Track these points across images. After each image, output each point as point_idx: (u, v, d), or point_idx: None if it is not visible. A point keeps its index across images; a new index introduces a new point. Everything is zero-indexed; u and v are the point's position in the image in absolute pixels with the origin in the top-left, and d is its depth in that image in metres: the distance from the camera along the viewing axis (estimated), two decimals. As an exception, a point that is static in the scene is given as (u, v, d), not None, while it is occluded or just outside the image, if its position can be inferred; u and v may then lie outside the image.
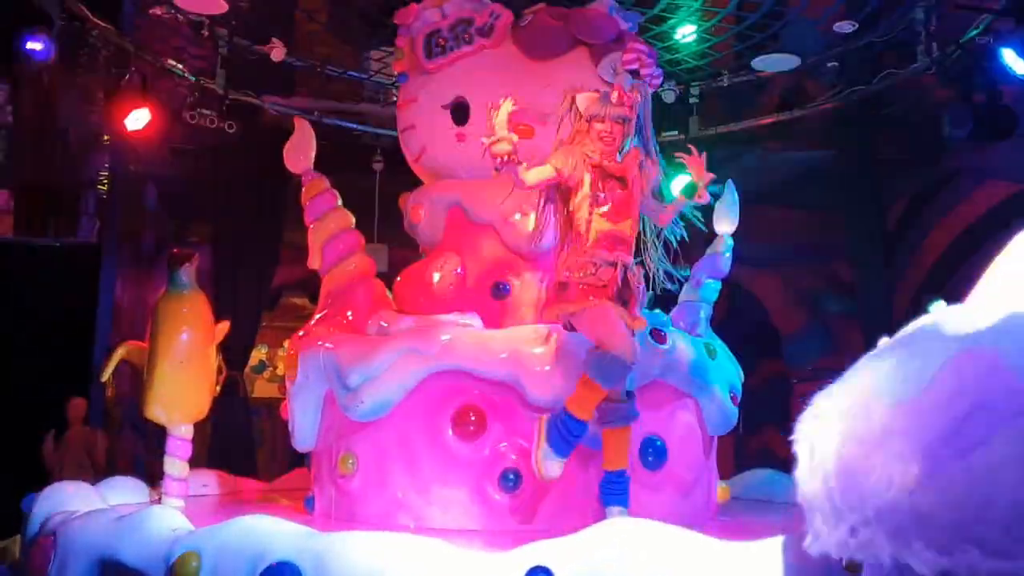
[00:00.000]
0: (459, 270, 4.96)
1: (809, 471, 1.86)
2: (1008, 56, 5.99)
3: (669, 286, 4.27)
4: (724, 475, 5.64)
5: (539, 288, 4.77)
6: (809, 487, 1.87)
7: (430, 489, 4.44)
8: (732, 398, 5.06)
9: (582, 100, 4.03)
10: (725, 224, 5.68)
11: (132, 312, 10.09)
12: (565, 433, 3.91)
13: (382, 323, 4.84)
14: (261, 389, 11.41)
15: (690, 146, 4.08)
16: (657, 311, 5.04)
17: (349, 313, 5.14)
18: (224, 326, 5.23)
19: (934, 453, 1.68)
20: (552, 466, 3.94)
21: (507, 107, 3.79)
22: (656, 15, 6.55)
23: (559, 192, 4.02)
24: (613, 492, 4.02)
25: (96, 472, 7.04)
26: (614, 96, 4.03)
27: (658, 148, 4.18)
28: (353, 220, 5.51)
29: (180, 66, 7.25)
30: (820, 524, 1.83)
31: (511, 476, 4.34)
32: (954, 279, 9.53)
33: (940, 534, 1.66)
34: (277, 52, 7.20)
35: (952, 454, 1.68)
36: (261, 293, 9.15)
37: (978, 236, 9.33)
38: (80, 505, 4.38)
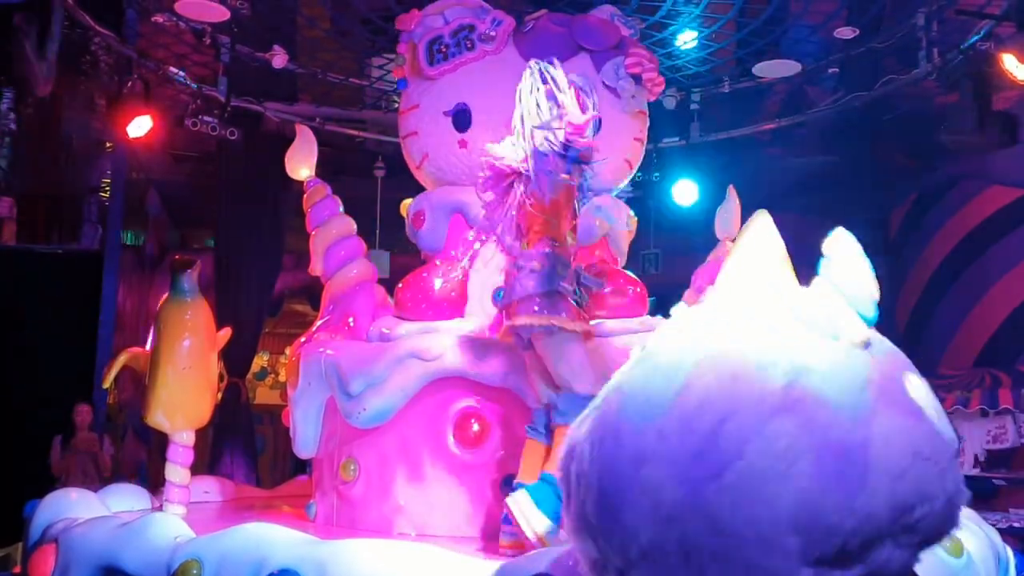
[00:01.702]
0: (461, 276, 4.96)
1: (570, 511, 1.66)
2: (1009, 62, 5.99)
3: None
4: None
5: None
6: (573, 529, 1.65)
7: (431, 496, 4.43)
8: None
9: None
10: (726, 230, 5.68)
11: (134, 318, 10.11)
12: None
13: (384, 329, 4.84)
14: (263, 396, 11.42)
15: None
16: (659, 316, 5.04)
17: (351, 319, 5.14)
18: (226, 333, 5.23)
19: (688, 476, 1.50)
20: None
21: None
22: (657, 21, 6.57)
23: None
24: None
25: (101, 479, 7.03)
26: None
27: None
28: (355, 226, 5.51)
29: (182, 73, 7.27)
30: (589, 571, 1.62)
31: (513, 482, 4.33)
32: (957, 284, 9.53)
33: (712, 566, 1.48)
34: (279, 59, 7.22)
35: (707, 475, 1.50)
36: (263, 300, 9.15)
37: (981, 241, 9.33)
38: (82, 512, 4.38)
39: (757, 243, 1.99)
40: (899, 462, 1.57)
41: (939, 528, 1.63)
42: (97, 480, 6.98)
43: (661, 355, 1.72)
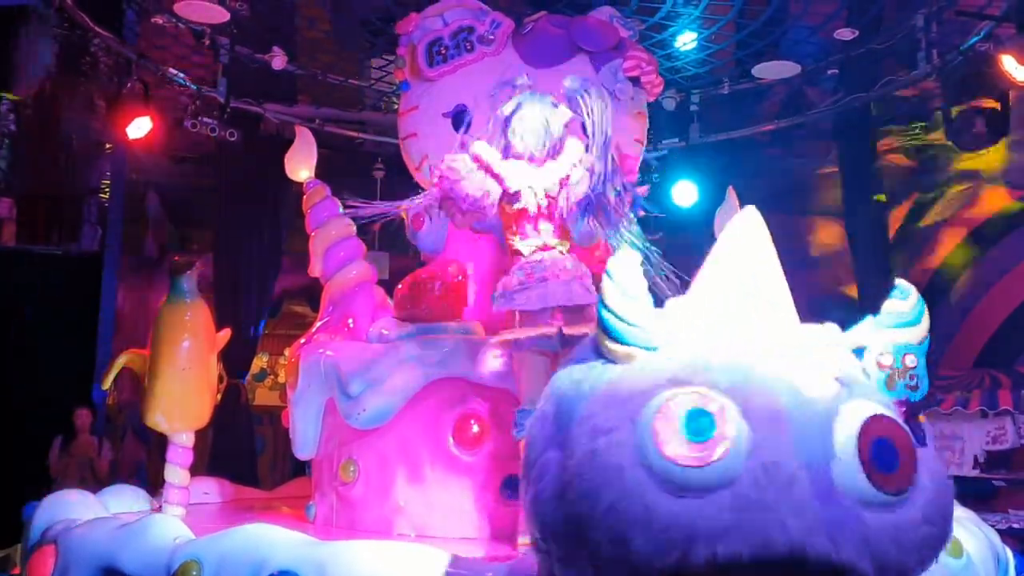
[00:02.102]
0: (460, 278, 4.96)
1: None
2: (1008, 63, 5.99)
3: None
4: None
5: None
6: None
7: (431, 497, 4.43)
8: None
9: None
10: (726, 231, 5.68)
11: (134, 319, 10.10)
12: None
13: (383, 331, 4.84)
14: (262, 397, 11.39)
15: None
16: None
17: (350, 321, 5.14)
18: (225, 334, 5.23)
19: None
20: None
21: None
22: (656, 23, 6.56)
23: None
24: None
25: (97, 485, 7.00)
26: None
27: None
28: (354, 228, 5.51)
29: (181, 74, 7.26)
30: None
31: (512, 484, 4.33)
32: (956, 285, 9.54)
33: None
34: (278, 60, 7.22)
35: None
36: (262, 301, 9.15)
37: (979, 242, 9.33)
38: (81, 513, 4.38)
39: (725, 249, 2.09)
40: (560, 481, 1.75)
41: (619, 556, 1.63)
42: (93, 485, 6.95)
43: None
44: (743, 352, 1.82)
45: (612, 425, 1.66)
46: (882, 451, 1.68)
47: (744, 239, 1.99)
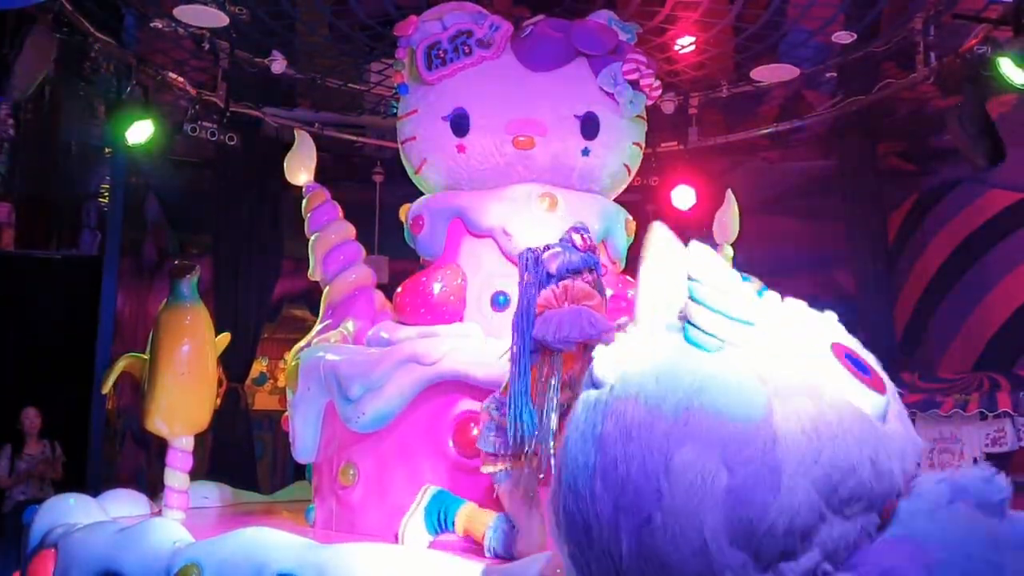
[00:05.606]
0: (460, 281, 4.97)
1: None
2: (1006, 66, 6.00)
3: None
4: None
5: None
6: None
7: (431, 500, 4.43)
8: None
9: None
10: (725, 234, 5.69)
11: (133, 324, 10.10)
12: (443, 523, 4.07)
13: (383, 334, 4.85)
14: (262, 401, 11.40)
15: None
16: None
17: (350, 324, 5.15)
18: (225, 338, 5.23)
19: (626, 529, 1.79)
20: (421, 539, 4.05)
21: None
22: (655, 26, 6.58)
23: None
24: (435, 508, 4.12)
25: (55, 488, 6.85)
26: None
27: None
28: (354, 231, 5.52)
29: (181, 79, 7.28)
30: None
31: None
32: (955, 288, 9.53)
33: None
34: (277, 64, 7.24)
35: (638, 523, 1.77)
36: (262, 305, 9.15)
37: (980, 244, 9.33)
38: (81, 517, 4.38)
39: (659, 258, 2.03)
40: (808, 448, 1.58)
41: (882, 492, 1.68)
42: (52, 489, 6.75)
43: (581, 416, 1.87)
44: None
45: (806, 391, 1.82)
46: None
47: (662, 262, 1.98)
